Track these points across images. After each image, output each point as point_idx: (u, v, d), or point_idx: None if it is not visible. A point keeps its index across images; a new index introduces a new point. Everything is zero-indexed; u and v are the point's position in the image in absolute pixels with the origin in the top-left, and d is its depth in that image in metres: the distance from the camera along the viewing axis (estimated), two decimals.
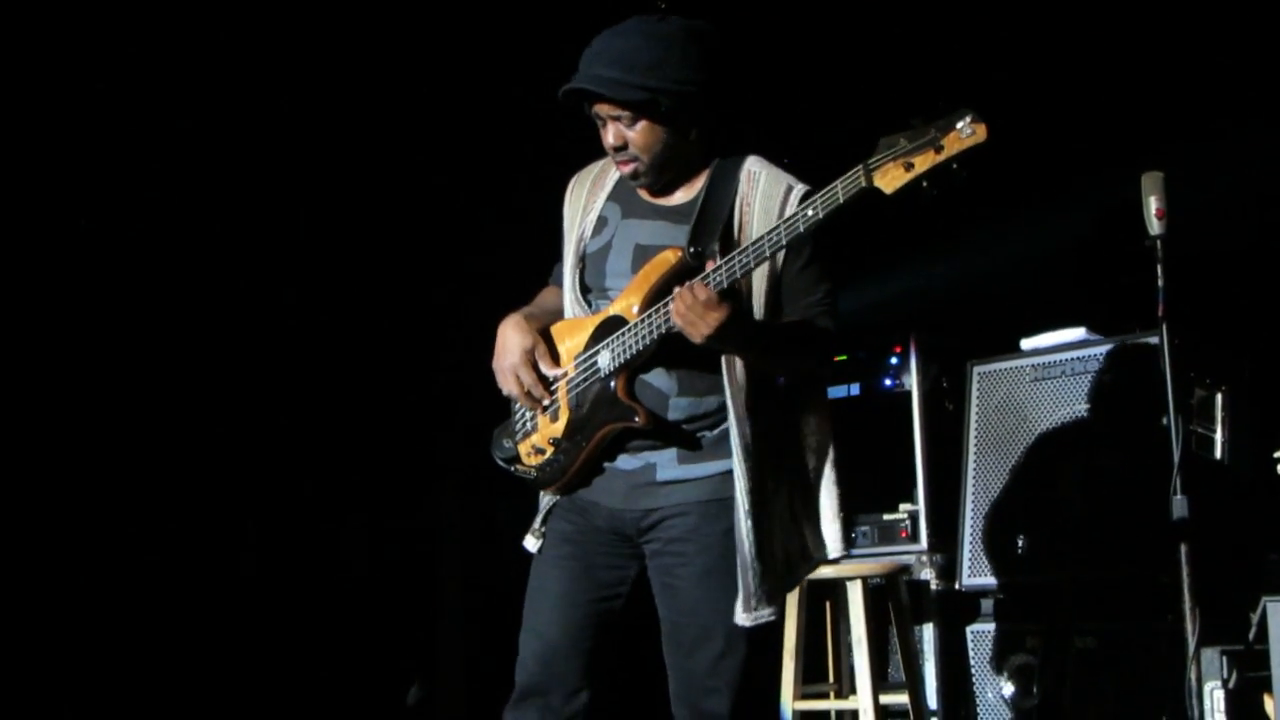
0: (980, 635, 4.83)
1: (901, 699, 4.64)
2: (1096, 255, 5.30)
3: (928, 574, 4.92)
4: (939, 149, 2.70)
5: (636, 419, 2.93)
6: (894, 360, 5.15)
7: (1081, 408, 4.62)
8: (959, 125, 2.71)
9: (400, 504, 5.78)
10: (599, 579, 3.04)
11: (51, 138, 4.87)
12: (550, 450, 3.09)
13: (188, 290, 5.27)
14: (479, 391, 3.39)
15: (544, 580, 3.08)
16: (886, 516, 5.03)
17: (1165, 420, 4.02)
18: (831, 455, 3.01)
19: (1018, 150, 5.51)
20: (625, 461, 3.04)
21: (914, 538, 4.97)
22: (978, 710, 4.77)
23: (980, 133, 2.71)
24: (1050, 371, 4.84)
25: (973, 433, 4.96)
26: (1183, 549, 3.69)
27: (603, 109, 2.97)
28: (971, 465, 4.95)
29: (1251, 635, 4.01)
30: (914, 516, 4.99)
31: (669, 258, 2.94)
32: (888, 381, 5.15)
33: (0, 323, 4.85)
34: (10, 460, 4.85)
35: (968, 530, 4.90)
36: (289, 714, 5.34)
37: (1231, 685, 4.03)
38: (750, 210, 2.98)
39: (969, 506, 4.92)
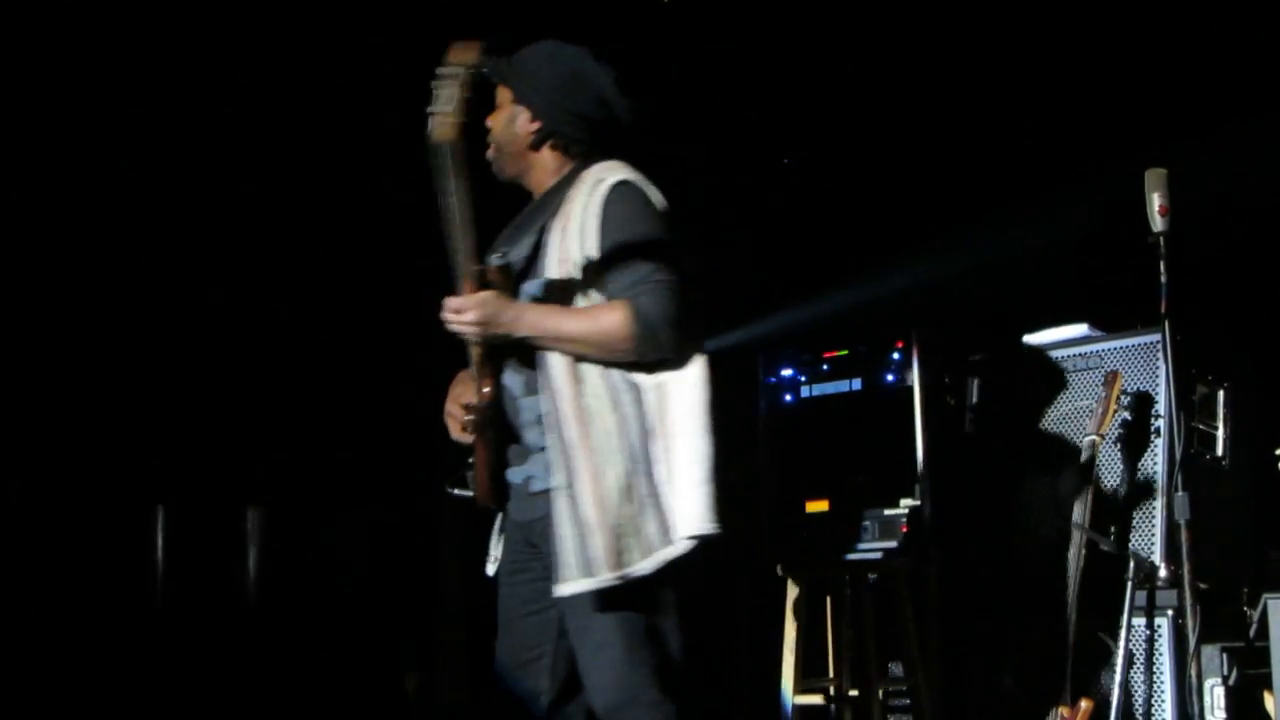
0: (982, 628, 4.84)
1: (903, 691, 4.66)
2: (1099, 251, 5.30)
3: (930, 569, 4.92)
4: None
5: (472, 400, 3.18)
6: (896, 356, 5.16)
7: (1083, 404, 4.62)
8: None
9: (399, 492, 5.78)
10: (538, 590, 3.19)
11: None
12: (472, 468, 3.30)
13: (182, 282, 5.25)
14: None
15: (500, 596, 3.31)
16: (888, 511, 5.03)
17: (1166, 417, 4.04)
18: (687, 433, 3.08)
19: (1021, 145, 5.55)
20: (514, 474, 3.26)
21: (915, 533, 4.98)
22: (980, 703, 4.78)
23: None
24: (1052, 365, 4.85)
25: (974, 429, 4.97)
26: (1183, 545, 3.70)
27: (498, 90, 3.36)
28: (973, 461, 4.95)
29: (1252, 632, 4.03)
30: (916, 512, 4.99)
31: (489, 270, 3.15)
32: (889, 377, 5.16)
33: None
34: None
35: (971, 525, 4.90)
36: (291, 704, 5.34)
37: (1232, 682, 4.05)
38: (570, 212, 3.18)
39: (970, 502, 4.92)
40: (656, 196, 3.22)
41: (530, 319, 3.11)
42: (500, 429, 3.22)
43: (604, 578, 3.01)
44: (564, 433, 3.08)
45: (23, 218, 4.88)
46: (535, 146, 3.33)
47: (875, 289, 5.75)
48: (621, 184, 3.18)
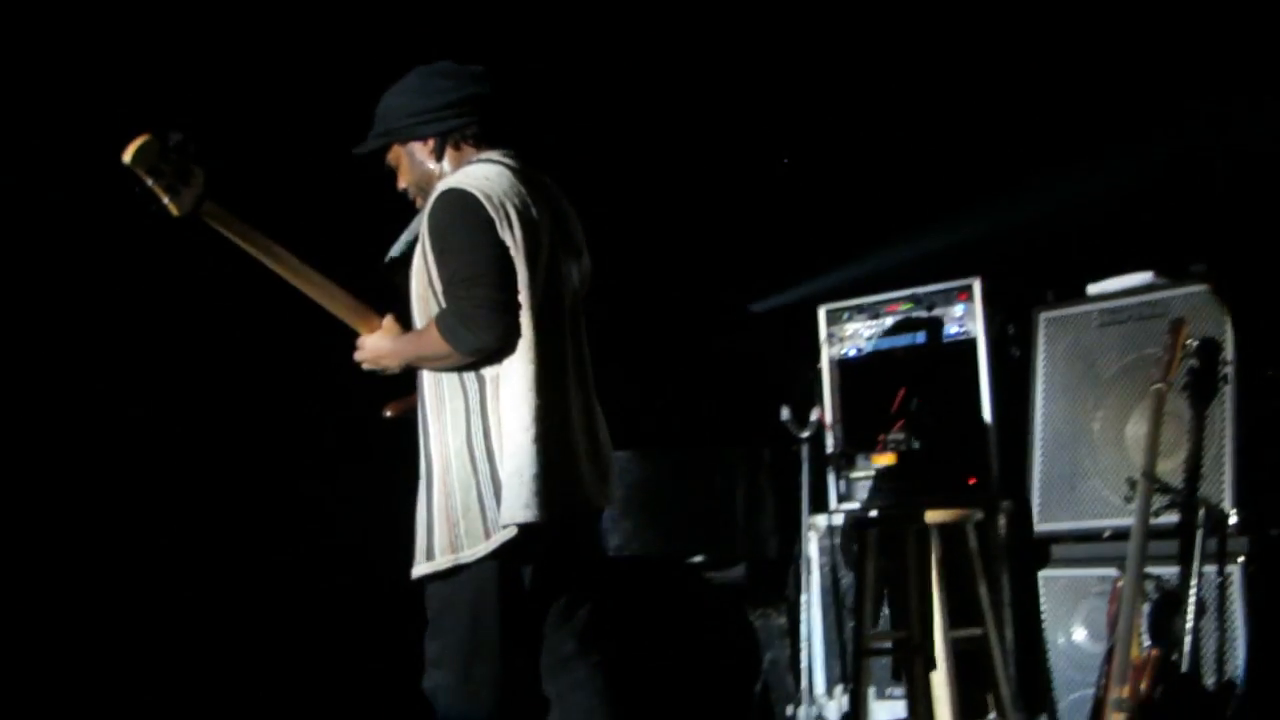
0: (1051, 581, 4.84)
1: (974, 644, 4.67)
2: (1165, 197, 5.26)
3: (998, 521, 4.93)
4: None
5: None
6: (960, 307, 5.15)
7: (1149, 352, 4.60)
8: None
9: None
10: None
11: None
12: None
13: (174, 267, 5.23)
14: None
15: None
16: (955, 464, 5.04)
17: (1234, 364, 4.02)
18: (514, 420, 3.38)
19: (1086, 90, 5.49)
20: None
21: (983, 485, 4.98)
22: (1049, 655, 4.79)
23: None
24: (1117, 316, 4.82)
25: (1041, 379, 4.96)
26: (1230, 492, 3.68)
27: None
28: (1040, 411, 4.95)
29: None
30: (983, 464, 5.00)
31: None
32: (953, 330, 5.16)
33: None
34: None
35: (1037, 476, 4.90)
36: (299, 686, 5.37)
37: None
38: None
39: (1038, 453, 4.92)
40: (494, 191, 3.44)
41: (396, 351, 3.56)
42: None
43: (440, 562, 3.39)
44: (426, 428, 3.50)
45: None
46: (439, 157, 3.62)
47: (938, 240, 5.73)
48: (440, 195, 3.46)
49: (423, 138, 3.60)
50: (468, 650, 3.39)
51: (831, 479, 5.32)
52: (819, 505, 5.30)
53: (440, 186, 3.49)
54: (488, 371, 3.42)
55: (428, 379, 3.51)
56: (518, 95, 3.72)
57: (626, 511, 5.17)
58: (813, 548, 5.26)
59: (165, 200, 3.35)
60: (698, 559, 5.41)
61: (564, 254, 3.58)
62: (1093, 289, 4.93)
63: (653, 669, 5.46)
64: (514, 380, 3.40)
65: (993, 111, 5.66)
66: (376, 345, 3.58)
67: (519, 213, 3.43)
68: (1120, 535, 4.49)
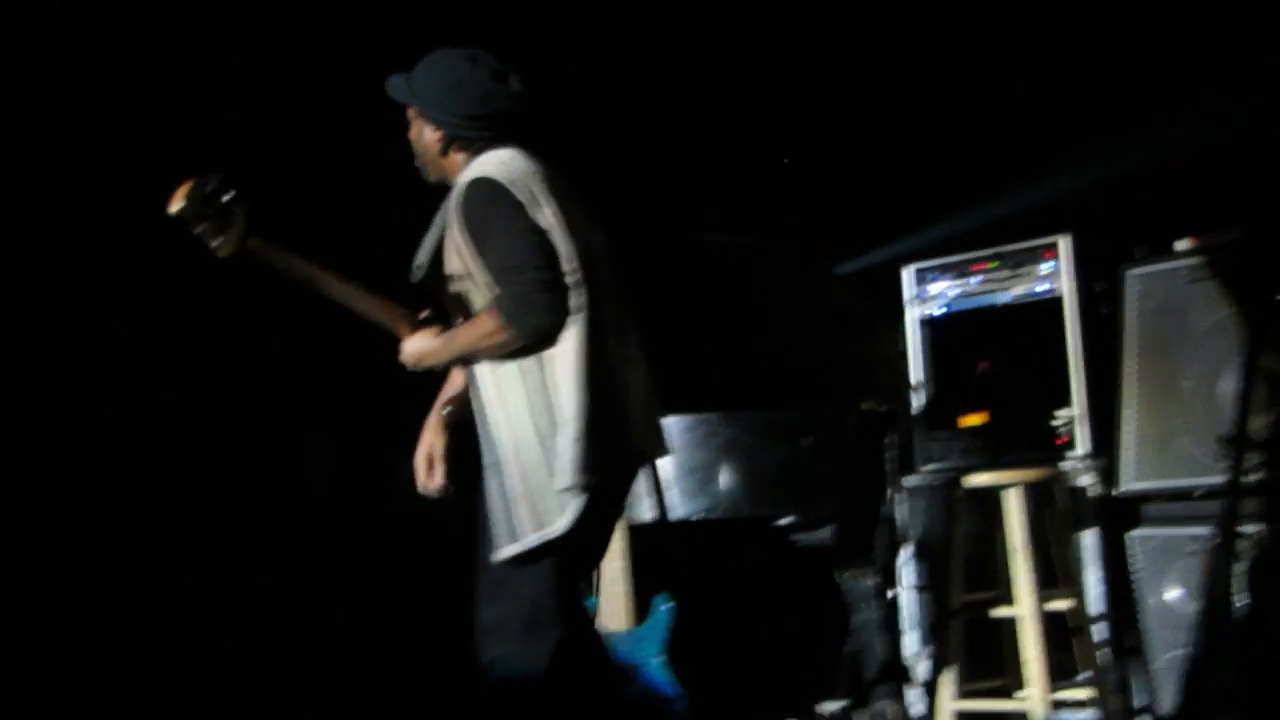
0: (1143, 540, 4.80)
1: (1064, 605, 4.65)
2: (1255, 150, 5.18)
3: (1087, 480, 4.90)
4: None
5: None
6: (1046, 266, 5.11)
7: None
8: None
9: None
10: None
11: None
12: None
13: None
14: None
15: None
16: (1043, 423, 5.02)
17: None
18: (568, 392, 3.48)
19: (1176, 42, 5.41)
20: None
21: (1072, 444, 4.95)
22: (1141, 615, 4.76)
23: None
24: (1208, 272, 4.77)
25: (1130, 337, 4.91)
26: None
27: None
28: (1130, 369, 4.89)
29: None
30: (1072, 422, 4.97)
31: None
32: (1040, 288, 5.12)
33: None
34: None
35: (1128, 435, 4.86)
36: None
37: None
38: (453, 217, 3.61)
39: (1129, 411, 4.87)
40: (517, 176, 3.54)
41: (444, 348, 3.61)
42: None
43: (529, 540, 3.46)
44: (487, 416, 3.57)
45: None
46: (444, 153, 3.72)
47: (1024, 198, 5.68)
48: (468, 185, 3.55)
49: (435, 126, 3.71)
50: (529, 617, 3.47)
51: (919, 439, 5.31)
52: (907, 466, 5.30)
53: (464, 179, 3.58)
54: (543, 351, 3.51)
55: (483, 371, 3.57)
56: (551, 102, 3.93)
57: (714, 473, 5.18)
58: (901, 509, 5.26)
59: (213, 244, 3.51)
60: (786, 520, 5.42)
61: (587, 223, 3.66)
62: (1182, 245, 4.87)
63: (742, 631, 5.50)
64: (567, 353, 3.49)
65: (1081, 66, 5.60)
66: (421, 346, 3.63)
67: (544, 190, 3.54)
68: (1213, 494, 4.45)
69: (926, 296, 5.39)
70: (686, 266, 6.14)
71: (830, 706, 5.28)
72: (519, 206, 3.49)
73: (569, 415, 3.47)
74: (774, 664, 5.50)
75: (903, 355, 5.41)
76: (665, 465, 5.12)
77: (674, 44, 5.94)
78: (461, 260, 3.56)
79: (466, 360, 3.61)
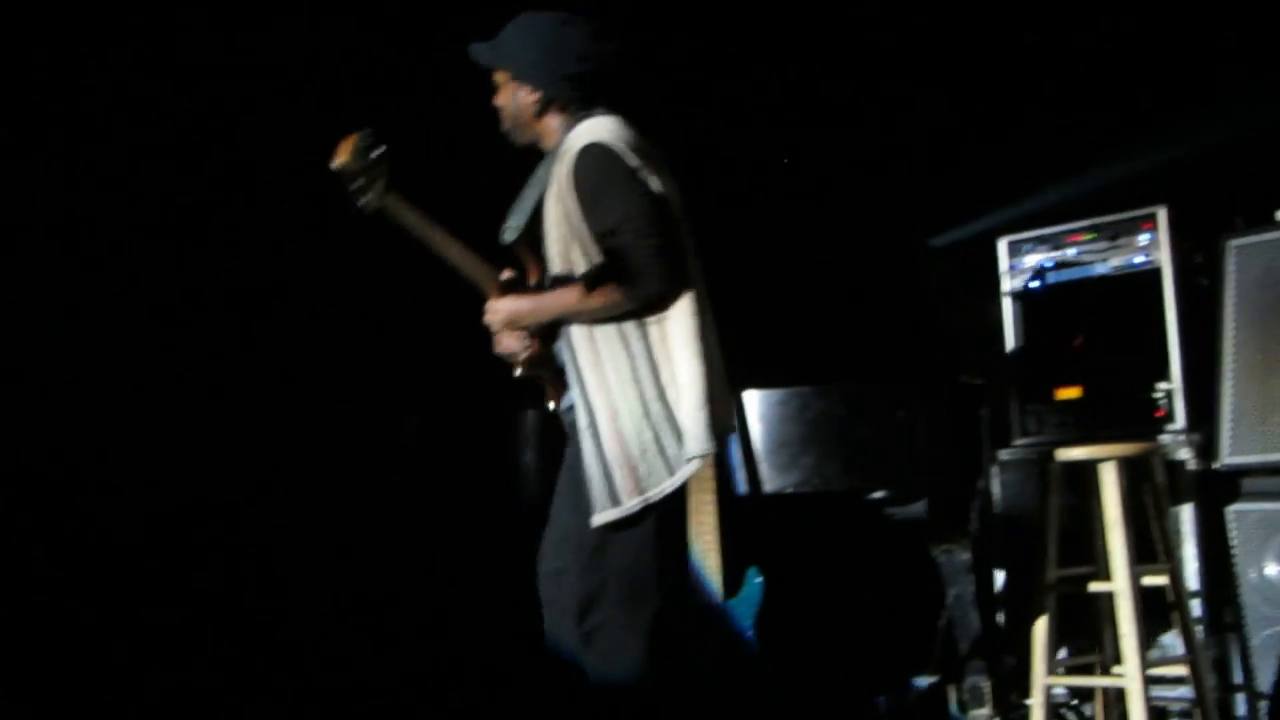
0: (1241, 515, 4.74)
1: (1161, 580, 4.60)
2: None
3: (1185, 454, 4.83)
4: None
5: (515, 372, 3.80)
6: (1145, 236, 5.04)
7: None
8: None
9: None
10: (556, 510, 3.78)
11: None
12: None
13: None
14: None
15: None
16: (1141, 396, 4.95)
17: None
18: (685, 360, 3.54)
19: (1271, 7, 5.31)
20: (565, 400, 3.74)
21: (1170, 417, 4.89)
22: (1239, 591, 4.69)
23: None
24: None
25: (1230, 308, 4.84)
26: None
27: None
28: (1230, 341, 4.82)
29: None
30: (1170, 396, 4.90)
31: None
32: (1138, 260, 5.05)
33: None
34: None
35: (1227, 409, 4.79)
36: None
37: None
38: (559, 179, 3.61)
39: (1229, 384, 4.80)
40: (626, 144, 3.57)
41: (540, 309, 3.64)
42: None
43: (629, 505, 3.49)
44: (583, 379, 3.57)
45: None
46: (539, 115, 3.73)
47: (1121, 168, 5.60)
48: (585, 150, 3.56)
49: (532, 86, 3.72)
50: (629, 585, 3.50)
51: (1014, 412, 5.27)
52: (1001, 439, 5.26)
53: (574, 143, 3.60)
54: (649, 316, 3.54)
55: (578, 334, 3.59)
56: (645, 67, 3.93)
57: (807, 447, 5.17)
58: (996, 482, 5.22)
59: (361, 200, 3.58)
60: (879, 494, 5.40)
61: (678, 194, 3.70)
62: None
63: (834, 605, 5.49)
64: (680, 321, 3.54)
65: (1177, 33, 5.50)
66: (515, 306, 3.66)
67: (650, 160, 3.58)
68: None
69: (1022, 268, 5.34)
70: (782, 239, 6.13)
71: (923, 681, 5.26)
72: (635, 172, 3.52)
73: (686, 382, 3.51)
74: (866, 638, 5.49)
75: (998, 328, 5.36)
76: (757, 439, 5.12)
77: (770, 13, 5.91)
78: (568, 223, 3.57)
79: (563, 322, 3.62)
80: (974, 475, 5.27)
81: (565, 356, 3.64)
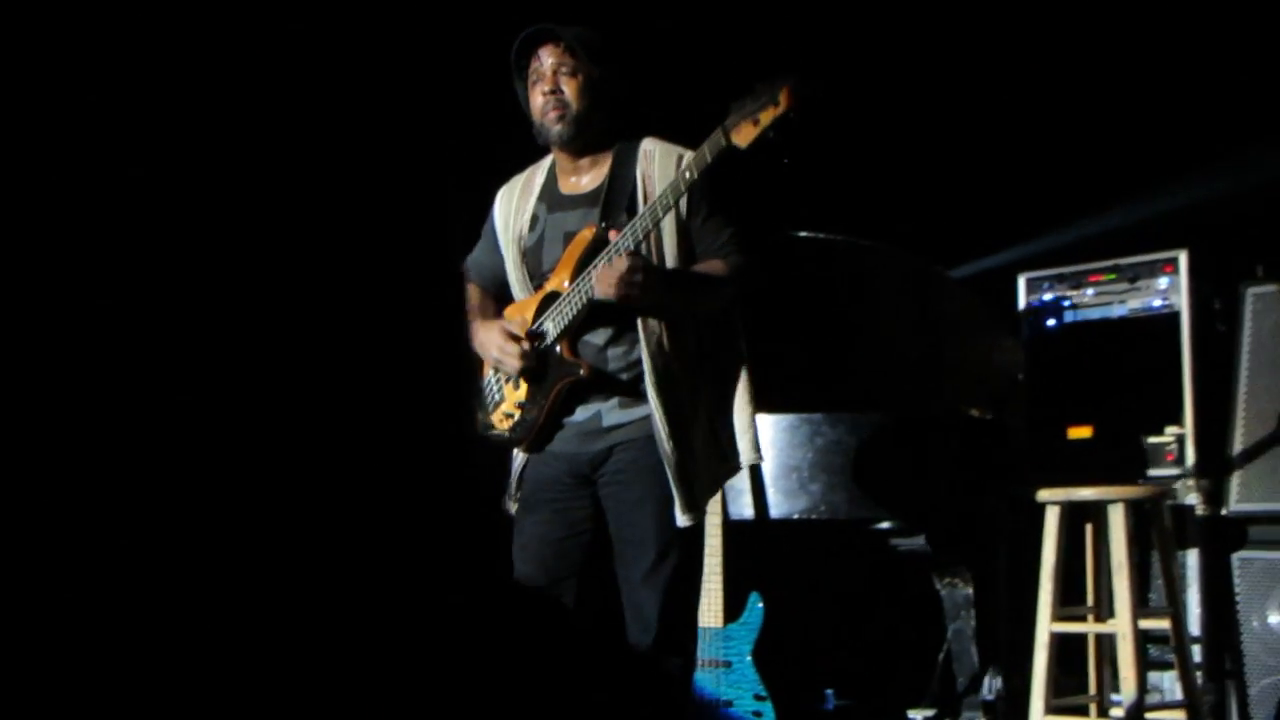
0: (1246, 563, 4.72)
1: (1162, 625, 4.58)
2: None
3: (1193, 499, 4.82)
4: (776, 104, 3.36)
5: (580, 371, 3.56)
6: (1164, 280, 5.03)
7: None
8: (791, 84, 3.37)
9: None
10: (568, 519, 3.63)
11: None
12: (518, 413, 3.69)
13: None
14: None
15: (523, 528, 3.67)
16: (1152, 439, 4.94)
17: None
18: (742, 377, 3.65)
19: None
20: (579, 414, 3.63)
21: (1180, 461, 4.88)
22: (1242, 638, 4.67)
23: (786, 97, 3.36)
24: None
25: (1246, 355, 4.83)
26: None
27: (550, 57, 3.64)
28: (1244, 389, 4.81)
29: None
30: (1181, 440, 4.89)
31: (586, 235, 3.59)
32: (1156, 303, 5.04)
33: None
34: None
35: (1238, 455, 4.77)
36: None
37: None
38: (651, 182, 3.59)
39: (1240, 431, 4.79)
40: None
41: (674, 291, 3.56)
42: (557, 374, 3.62)
43: (702, 513, 3.54)
44: (668, 383, 3.51)
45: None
46: (603, 117, 3.69)
47: (1143, 210, 5.60)
48: (699, 156, 3.50)
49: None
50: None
51: (1025, 449, 5.25)
52: (1010, 475, 5.24)
53: (670, 148, 3.66)
54: (720, 324, 3.69)
55: (665, 335, 3.55)
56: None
57: (815, 475, 5.16)
58: (1002, 518, 5.21)
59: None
60: (885, 524, 5.38)
61: None
62: None
63: (834, 633, 5.47)
64: (728, 340, 3.71)
65: (1204, 79, 5.50)
66: (641, 274, 3.45)
67: None
68: None
69: (1040, 305, 5.33)
70: (797, 265, 6.12)
71: (919, 715, 5.24)
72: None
73: (740, 393, 3.65)
74: (865, 668, 5.47)
75: (1013, 363, 5.35)
76: (766, 464, 5.11)
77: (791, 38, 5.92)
78: (668, 215, 3.51)
79: (669, 308, 3.56)
80: (980, 510, 5.25)
81: (645, 361, 3.54)
